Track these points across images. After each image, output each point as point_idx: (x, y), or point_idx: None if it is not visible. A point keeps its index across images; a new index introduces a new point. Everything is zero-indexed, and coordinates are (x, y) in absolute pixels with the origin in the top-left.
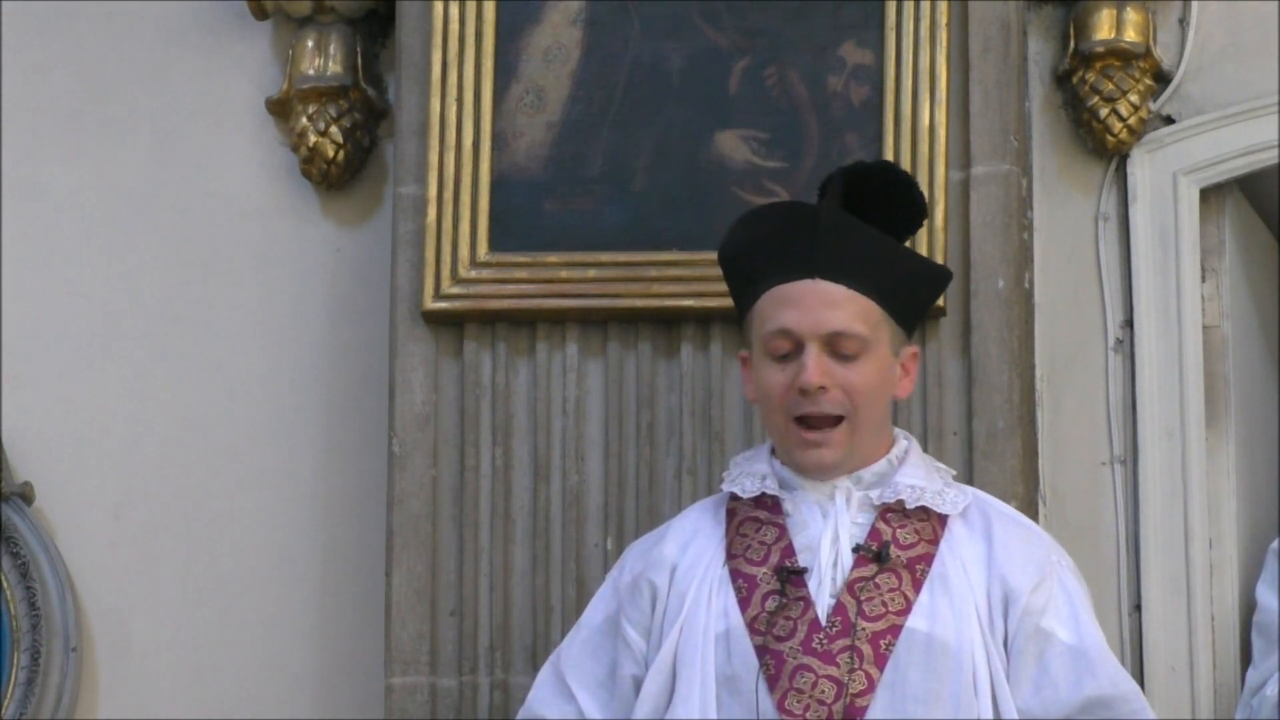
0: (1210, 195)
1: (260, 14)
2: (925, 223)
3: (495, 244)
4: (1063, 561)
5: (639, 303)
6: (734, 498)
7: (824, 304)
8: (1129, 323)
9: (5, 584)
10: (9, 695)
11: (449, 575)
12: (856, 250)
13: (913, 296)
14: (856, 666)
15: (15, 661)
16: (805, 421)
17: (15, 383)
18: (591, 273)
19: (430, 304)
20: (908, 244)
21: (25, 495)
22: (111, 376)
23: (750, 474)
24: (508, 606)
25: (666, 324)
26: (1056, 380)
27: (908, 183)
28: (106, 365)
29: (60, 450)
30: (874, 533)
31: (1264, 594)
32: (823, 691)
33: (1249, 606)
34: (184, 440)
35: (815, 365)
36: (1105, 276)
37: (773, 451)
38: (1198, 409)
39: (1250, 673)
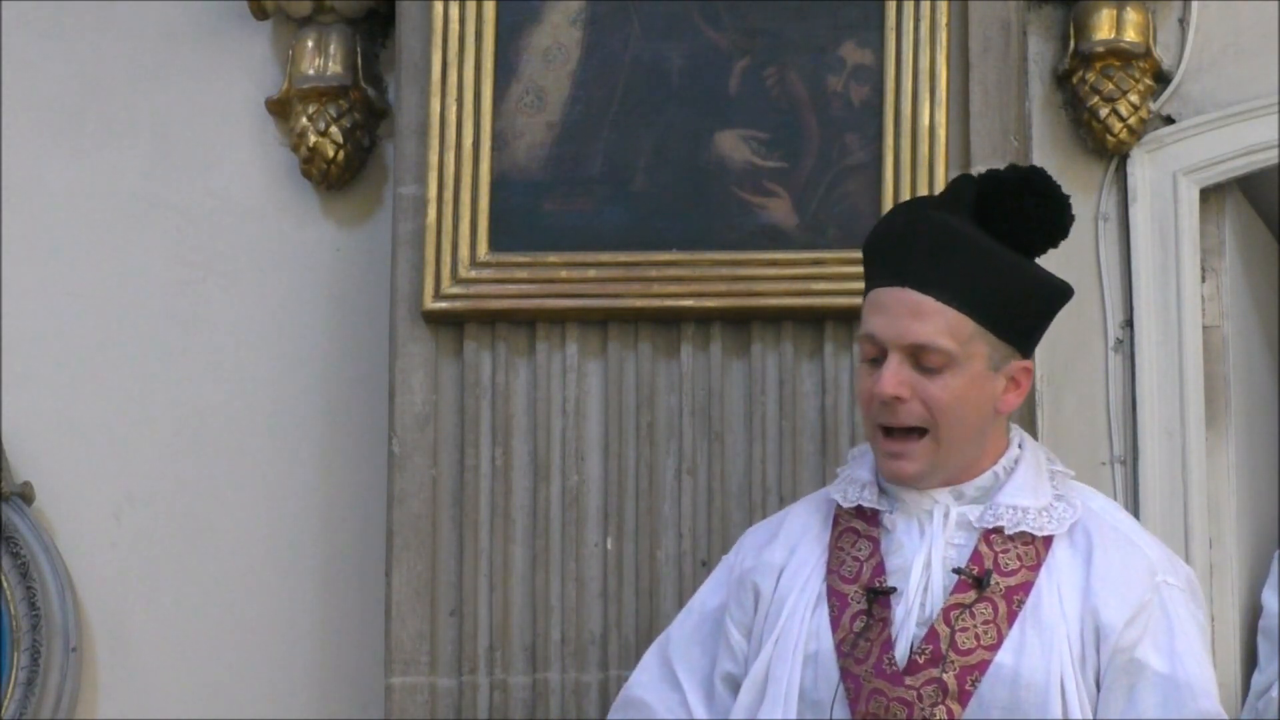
0: (1210, 195)
1: (260, 14)
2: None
3: (495, 244)
4: (1171, 580)
5: (639, 303)
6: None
7: (910, 314)
8: (1129, 323)
9: (5, 584)
10: (9, 695)
11: (449, 575)
12: (956, 263)
13: (1020, 312)
14: (939, 700)
15: (15, 661)
16: (888, 431)
17: (15, 383)
18: (591, 273)
19: (430, 304)
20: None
21: (25, 495)
22: (112, 376)
23: (853, 481)
24: (507, 606)
25: (666, 324)
26: (1056, 380)
27: (1047, 194)
28: (106, 365)
29: (60, 450)
30: (976, 556)
31: (1269, 598)
32: (895, 715)
33: (1250, 607)
34: (184, 440)
35: (891, 376)
36: (1105, 276)
37: None
38: (1198, 409)
39: (1255, 676)
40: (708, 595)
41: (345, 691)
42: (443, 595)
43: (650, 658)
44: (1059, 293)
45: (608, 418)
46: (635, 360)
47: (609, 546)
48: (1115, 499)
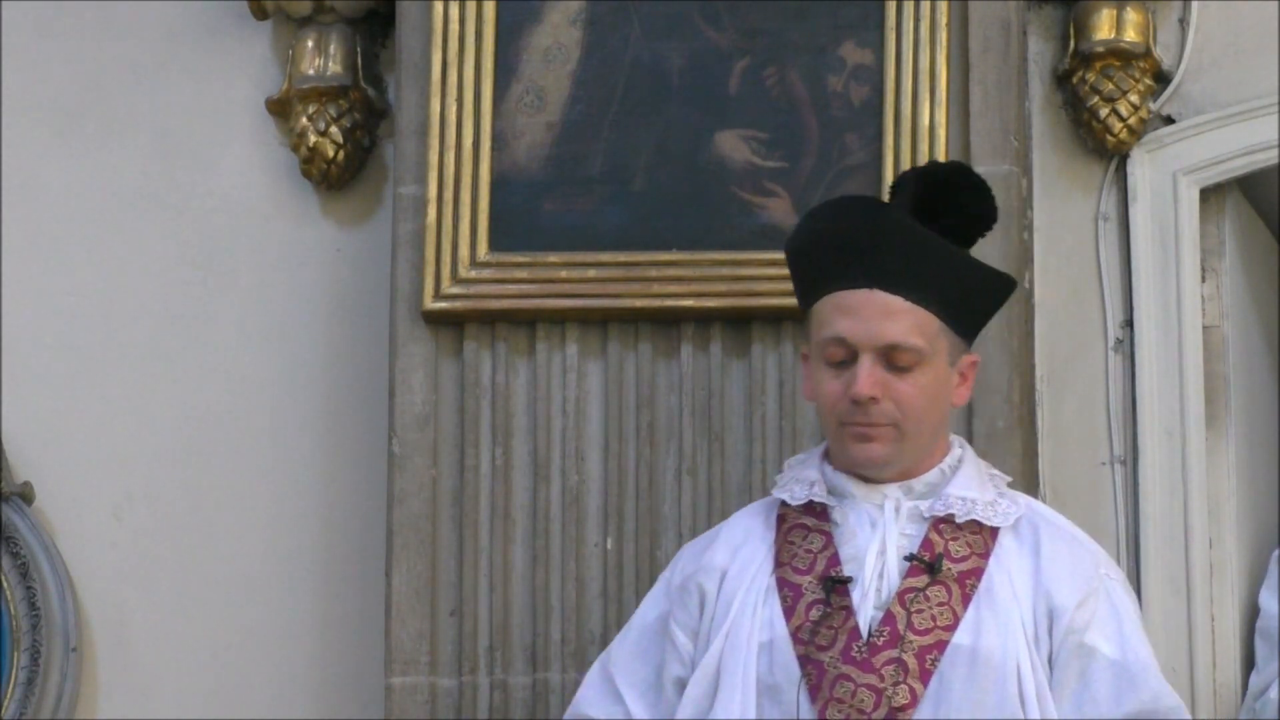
0: (1210, 195)
1: (260, 14)
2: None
3: (495, 244)
4: (1112, 574)
5: (639, 303)
6: (785, 503)
7: (882, 315)
8: (1129, 323)
9: (5, 584)
10: (9, 695)
11: (449, 575)
12: (920, 262)
13: (974, 307)
14: (901, 680)
15: (15, 661)
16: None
17: (15, 383)
18: (591, 273)
19: (430, 304)
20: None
21: (25, 495)
22: (111, 376)
23: (800, 480)
24: (507, 606)
25: (666, 324)
26: (1056, 380)
27: (980, 187)
28: (106, 365)
29: (60, 450)
30: (927, 543)
31: (1267, 599)
32: (862, 701)
33: (1249, 607)
34: (184, 440)
35: (867, 377)
36: (1105, 276)
37: (825, 456)
38: (1198, 409)
39: (1253, 677)
40: (646, 610)
41: (345, 691)
42: (443, 595)
43: (592, 674)
44: (1007, 285)
45: (608, 418)
46: (635, 360)
47: (609, 546)
48: (1115, 499)
